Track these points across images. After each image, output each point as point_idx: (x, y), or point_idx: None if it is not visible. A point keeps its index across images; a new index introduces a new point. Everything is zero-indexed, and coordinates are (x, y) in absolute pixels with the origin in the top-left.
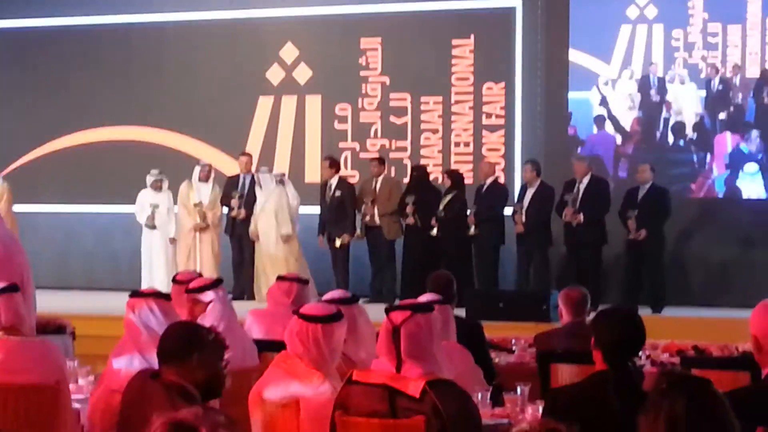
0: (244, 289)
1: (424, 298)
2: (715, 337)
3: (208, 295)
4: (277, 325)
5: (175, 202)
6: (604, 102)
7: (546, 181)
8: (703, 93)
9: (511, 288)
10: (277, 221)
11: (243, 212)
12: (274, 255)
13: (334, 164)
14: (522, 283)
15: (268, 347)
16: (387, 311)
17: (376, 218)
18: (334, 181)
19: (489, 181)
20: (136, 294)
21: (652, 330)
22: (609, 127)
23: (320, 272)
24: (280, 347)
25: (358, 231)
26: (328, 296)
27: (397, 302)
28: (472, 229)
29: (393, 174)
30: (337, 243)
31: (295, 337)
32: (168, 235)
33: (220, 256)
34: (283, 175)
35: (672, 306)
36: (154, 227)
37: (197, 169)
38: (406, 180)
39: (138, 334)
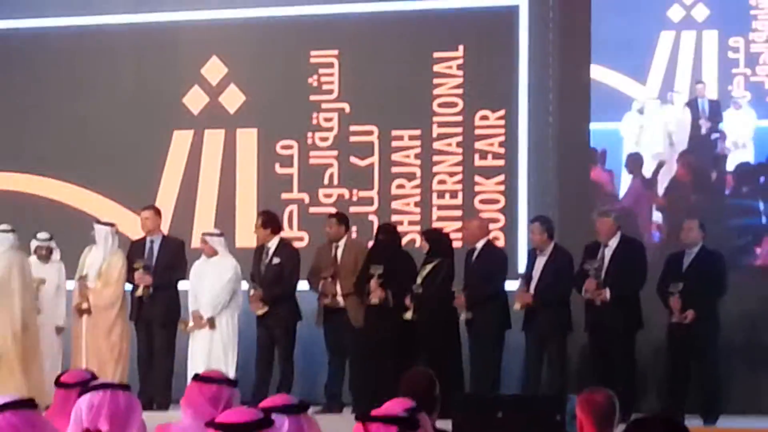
0: (152, 395)
1: (392, 405)
2: None
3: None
4: None
5: (70, 276)
6: (637, 135)
7: (561, 245)
8: (765, 122)
9: (515, 391)
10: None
11: (143, 288)
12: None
13: (269, 222)
14: (530, 384)
15: None
16: (361, 419)
17: (339, 299)
18: (272, 245)
19: (480, 244)
20: None
21: None
22: (646, 170)
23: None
24: None
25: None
26: (266, 403)
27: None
28: (464, 314)
29: (355, 235)
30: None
31: None
32: (56, 323)
33: (117, 349)
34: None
35: (730, 415)
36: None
37: (97, 230)
38: (371, 243)
39: None
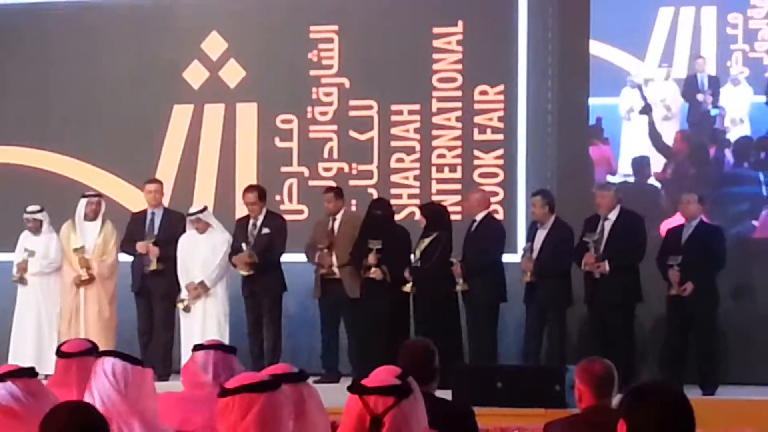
0: (153, 366)
1: (381, 375)
2: None
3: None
4: (196, 413)
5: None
6: (639, 110)
7: (562, 218)
8: (762, 98)
9: (514, 362)
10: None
11: (154, 261)
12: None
13: (263, 195)
14: (529, 355)
15: None
16: (357, 392)
17: (335, 269)
18: (260, 216)
19: (480, 217)
20: None
21: (701, 417)
22: (645, 145)
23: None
24: None
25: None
26: (267, 372)
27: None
28: (460, 284)
29: (354, 208)
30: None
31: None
32: (46, 293)
33: (113, 321)
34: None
35: (728, 385)
36: (21, 282)
37: (82, 203)
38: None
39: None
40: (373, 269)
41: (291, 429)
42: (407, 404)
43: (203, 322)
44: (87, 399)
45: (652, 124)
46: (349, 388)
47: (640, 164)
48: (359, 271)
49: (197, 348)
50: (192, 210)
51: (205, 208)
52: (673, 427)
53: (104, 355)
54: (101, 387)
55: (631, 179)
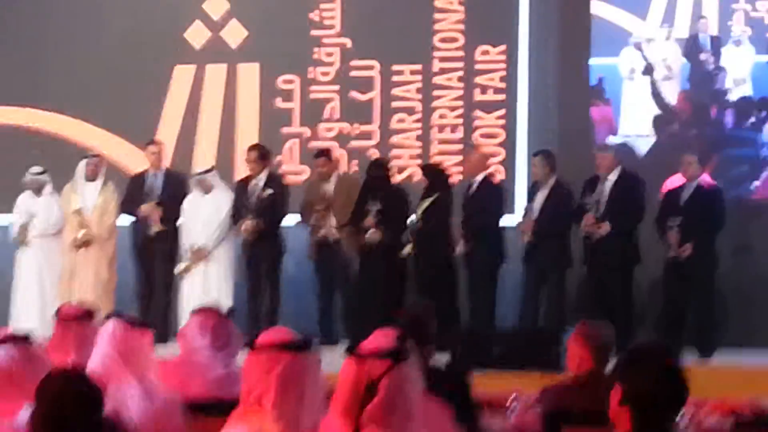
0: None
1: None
2: None
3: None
4: (193, 377)
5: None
6: (641, 70)
7: (562, 179)
8: (765, 57)
9: (512, 324)
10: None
11: (158, 222)
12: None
13: (266, 155)
14: (527, 318)
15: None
16: (355, 354)
17: (333, 230)
18: (263, 177)
19: (479, 178)
20: None
21: (698, 382)
22: (646, 106)
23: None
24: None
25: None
26: (264, 338)
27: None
28: (460, 246)
29: (356, 170)
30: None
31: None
32: (47, 255)
33: (112, 283)
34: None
35: (726, 349)
36: (24, 243)
37: (82, 164)
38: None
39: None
40: (371, 231)
41: (317, 394)
42: (404, 368)
43: (204, 285)
44: (89, 360)
45: (654, 84)
46: (346, 351)
47: (663, 121)
48: (359, 234)
49: (195, 312)
50: (199, 170)
51: (212, 168)
52: (668, 391)
53: (110, 317)
54: (103, 348)
55: (633, 139)
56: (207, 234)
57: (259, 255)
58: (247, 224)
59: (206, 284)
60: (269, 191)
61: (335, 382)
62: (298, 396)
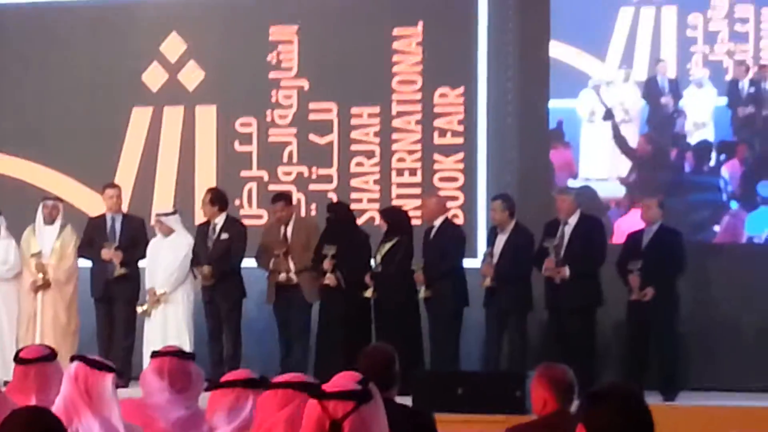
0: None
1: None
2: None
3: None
4: (156, 419)
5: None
6: (600, 113)
7: (523, 223)
8: (725, 100)
9: (475, 368)
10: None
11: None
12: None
13: (217, 199)
14: (490, 360)
15: None
16: (316, 396)
17: (293, 276)
18: (219, 221)
19: (438, 222)
20: None
21: (663, 423)
22: (606, 148)
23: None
24: None
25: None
26: (226, 378)
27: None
28: (423, 291)
29: (314, 213)
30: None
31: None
32: (5, 299)
33: (72, 326)
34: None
35: (690, 391)
36: None
37: (40, 207)
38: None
39: None
40: (327, 276)
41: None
42: (367, 409)
43: (164, 328)
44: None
45: (616, 128)
46: (308, 393)
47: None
48: (320, 277)
49: (155, 355)
50: (160, 211)
51: (175, 211)
52: (631, 429)
53: (73, 360)
54: (65, 390)
55: (592, 183)
56: (167, 278)
57: (218, 298)
58: (203, 270)
59: (165, 327)
60: (225, 235)
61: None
62: None
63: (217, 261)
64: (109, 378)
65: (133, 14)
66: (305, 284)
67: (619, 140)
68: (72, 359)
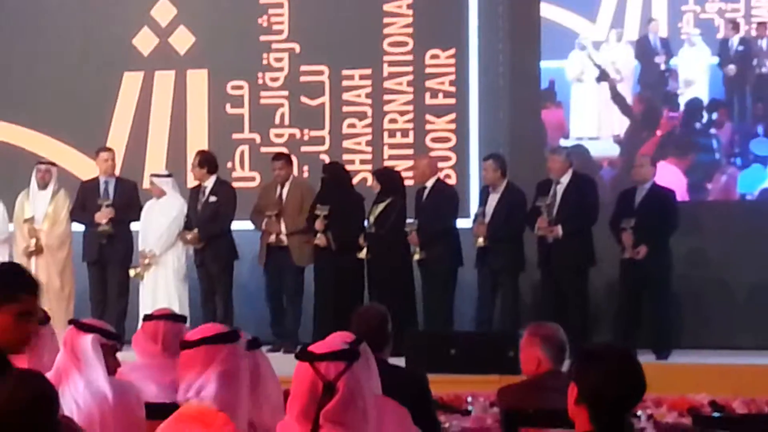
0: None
1: (332, 340)
2: (739, 389)
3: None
4: (149, 381)
5: (11, 219)
6: (591, 73)
7: (514, 183)
8: (717, 59)
9: (468, 329)
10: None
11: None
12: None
13: (205, 162)
14: (483, 320)
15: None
16: (307, 359)
17: (284, 237)
18: (209, 184)
19: (430, 183)
20: None
21: (655, 381)
22: (597, 108)
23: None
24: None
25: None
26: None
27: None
28: (417, 252)
29: (307, 175)
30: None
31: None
32: None
33: (66, 291)
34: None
35: (682, 350)
36: None
37: (34, 172)
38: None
39: None
40: (318, 236)
41: (248, 381)
42: (359, 368)
43: (154, 291)
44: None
45: (614, 88)
46: (298, 356)
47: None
48: (311, 238)
49: (147, 318)
50: (154, 172)
51: (170, 174)
52: (624, 388)
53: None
54: (60, 354)
55: (584, 142)
56: (157, 240)
57: (209, 260)
58: (186, 235)
59: (156, 290)
60: (213, 198)
61: (290, 386)
62: (236, 389)
63: (204, 224)
64: (88, 338)
65: None
66: (294, 247)
67: (618, 99)
68: (69, 323)
